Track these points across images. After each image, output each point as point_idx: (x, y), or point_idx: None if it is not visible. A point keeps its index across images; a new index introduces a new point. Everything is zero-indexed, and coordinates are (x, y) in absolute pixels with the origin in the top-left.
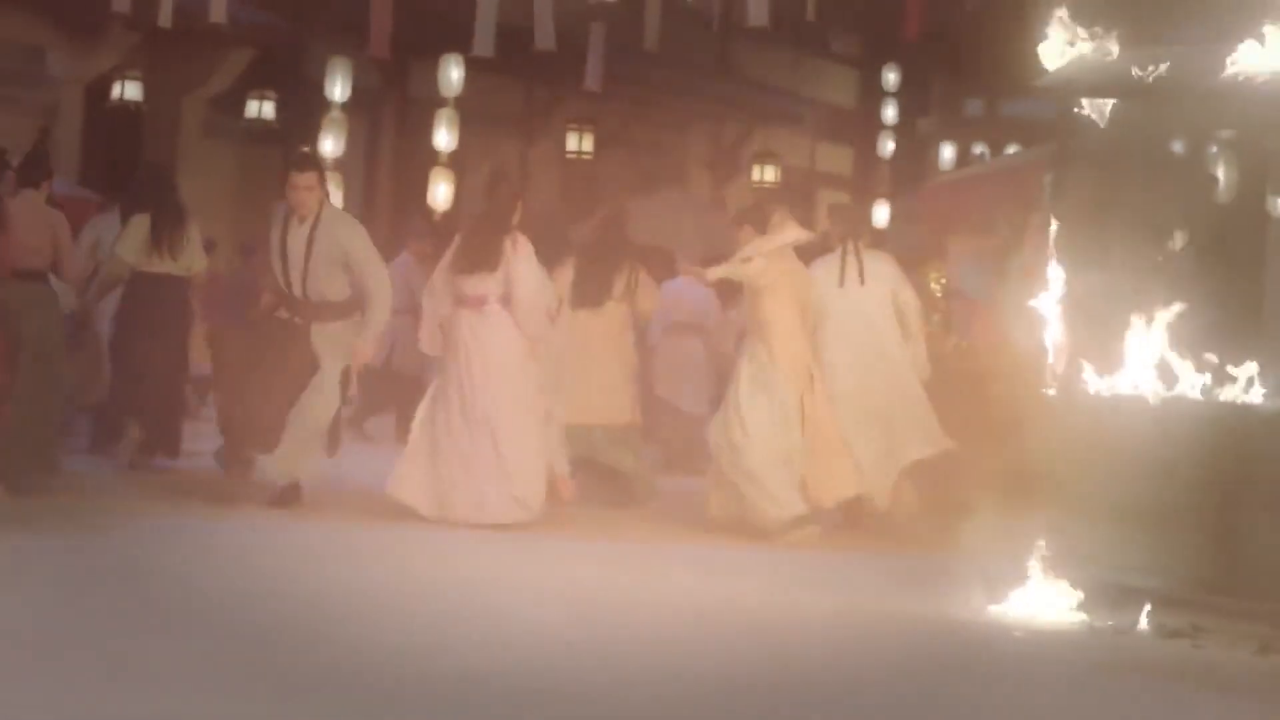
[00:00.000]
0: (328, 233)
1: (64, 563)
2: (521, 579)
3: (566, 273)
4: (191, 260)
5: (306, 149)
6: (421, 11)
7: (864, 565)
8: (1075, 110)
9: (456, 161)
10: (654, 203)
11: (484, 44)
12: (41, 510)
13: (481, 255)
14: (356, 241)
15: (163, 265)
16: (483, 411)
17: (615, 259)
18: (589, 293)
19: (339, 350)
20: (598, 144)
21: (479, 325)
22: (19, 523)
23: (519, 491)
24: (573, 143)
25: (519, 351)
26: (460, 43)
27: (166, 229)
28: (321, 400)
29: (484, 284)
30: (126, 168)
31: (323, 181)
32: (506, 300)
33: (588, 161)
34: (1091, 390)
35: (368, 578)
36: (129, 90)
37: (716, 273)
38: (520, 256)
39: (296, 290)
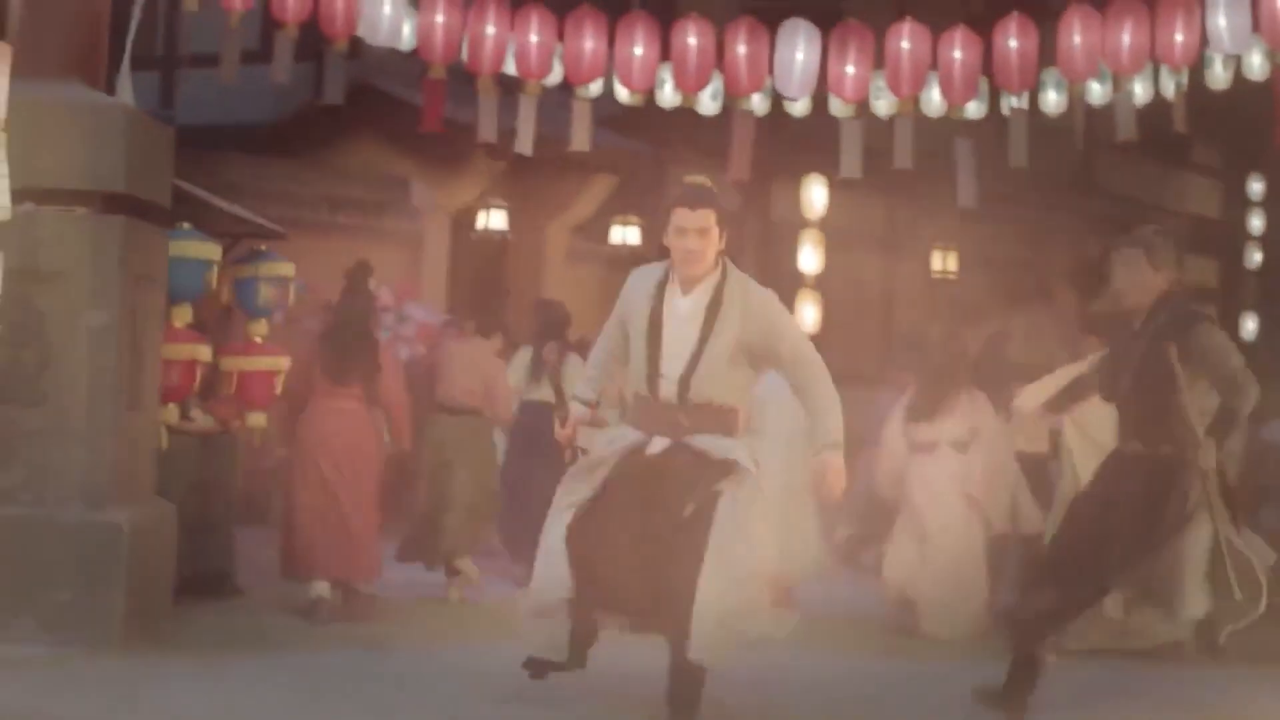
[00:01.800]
0: (738, 303)
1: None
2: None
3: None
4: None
5: (701, 178)
6: (783, 134)
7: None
8: None
9: (821, 282)
10: (1020, 321)
11: (850, 165)
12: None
13: (938, 405)
14: (784, 317)
15: (542, 393)
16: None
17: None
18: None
19: (736, 475)
20: (962, 263)
21: (929, 469)
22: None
23: None
24: (937, 262)
25: (964, 497)
26: (824, 164)
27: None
28: (734, 557)
29: (937, 430)
30: (492, 296)
31: (724, 228)
32: (957, 444)
33: (953, 281)
34: None
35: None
36: (494, 219)
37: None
38: (983, 408)
39: (668, 389)
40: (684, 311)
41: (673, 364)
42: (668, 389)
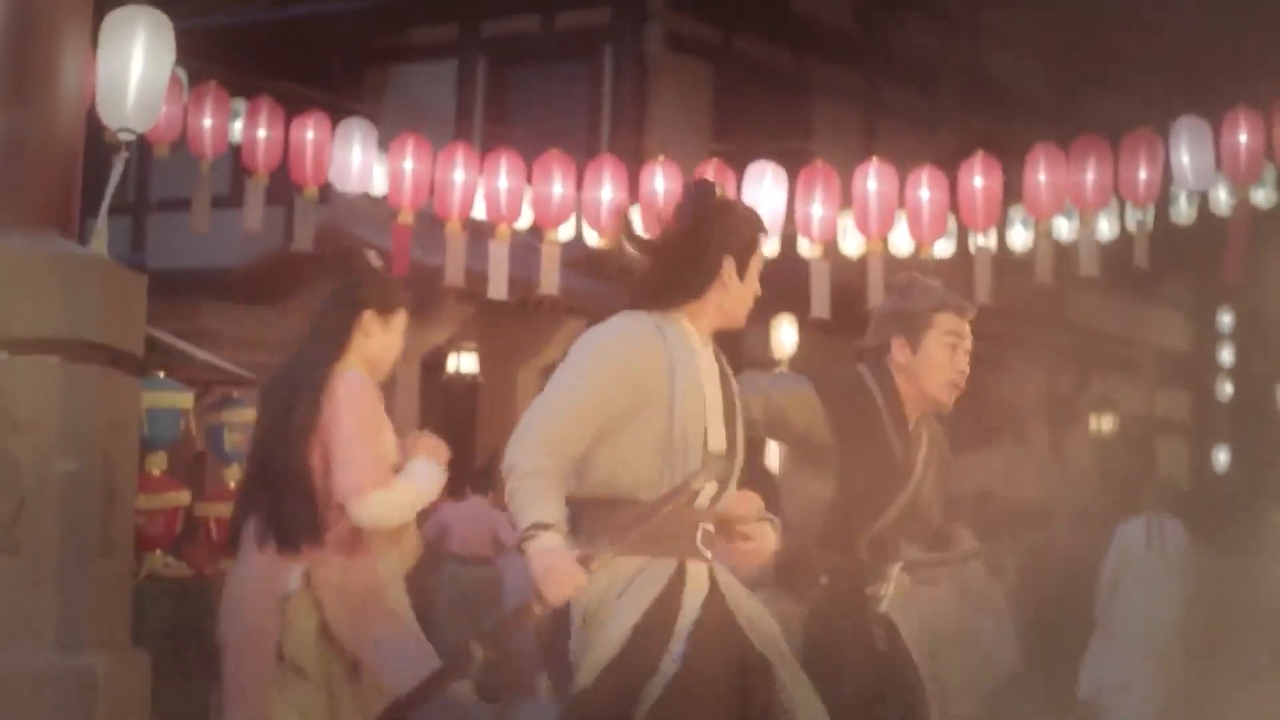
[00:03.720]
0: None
1: None
2: None
3: None
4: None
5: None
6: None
7: None
8: None
9: None
10: (991, 455)
11: (820, 306)
12: None
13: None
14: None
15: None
16: None
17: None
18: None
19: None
20: None
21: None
22: None
23: None
24: None
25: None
26: (793, 304)
27: None
28: None
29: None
30: (464, 441)
31: None
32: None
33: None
34: None
35: None
36: (464, 362)
37: None
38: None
39: (708, 490)
40: (710, 374)
41: (716, 451)
42: (708, 490)
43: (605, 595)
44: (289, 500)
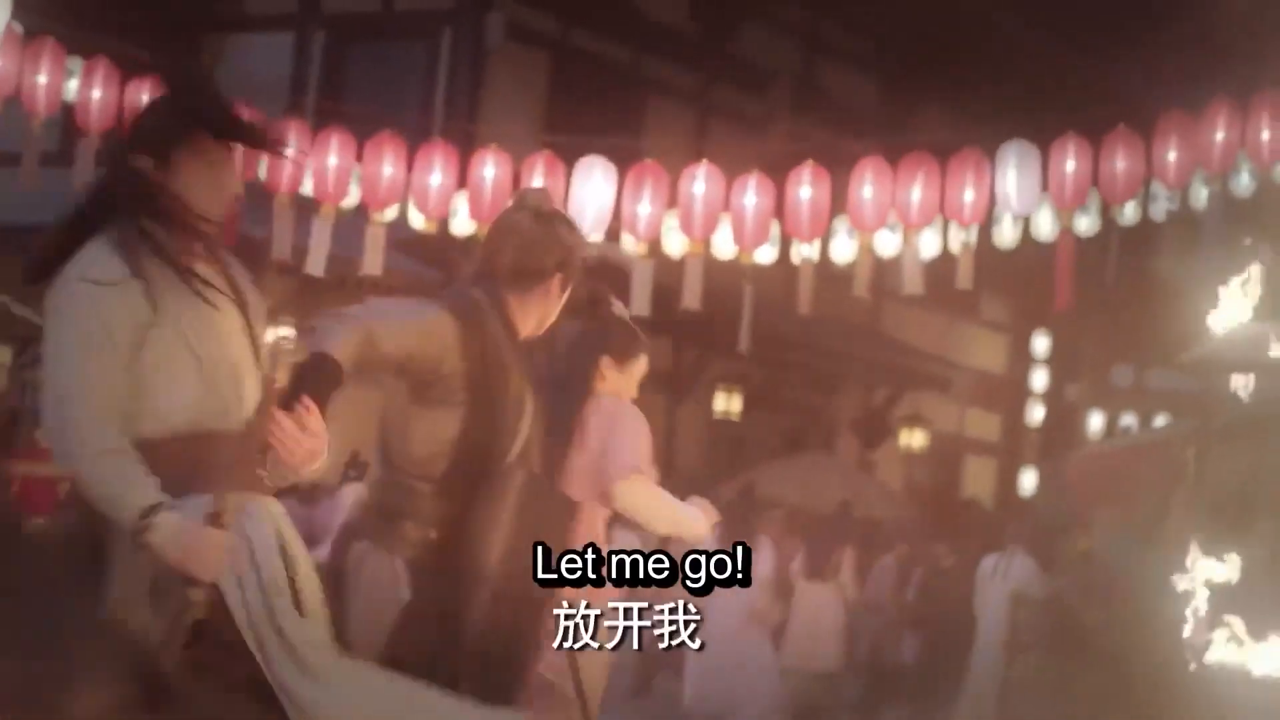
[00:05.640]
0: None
1: None
2: None
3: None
4: None
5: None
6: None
7: None
8: (1221, 386)
9: None
10: (800, 465)
11: (640, 303)
12: None
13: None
14: None
15: None
16: None
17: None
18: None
19: None
20: (746, 405)
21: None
22: None
23: None
24: (720, 403)
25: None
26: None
27: None
28: None
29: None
30: None
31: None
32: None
33: (735, 423)
34: (1241, 665)
35: None
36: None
37: None
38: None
39: None
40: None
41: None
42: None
43: None
44: None
